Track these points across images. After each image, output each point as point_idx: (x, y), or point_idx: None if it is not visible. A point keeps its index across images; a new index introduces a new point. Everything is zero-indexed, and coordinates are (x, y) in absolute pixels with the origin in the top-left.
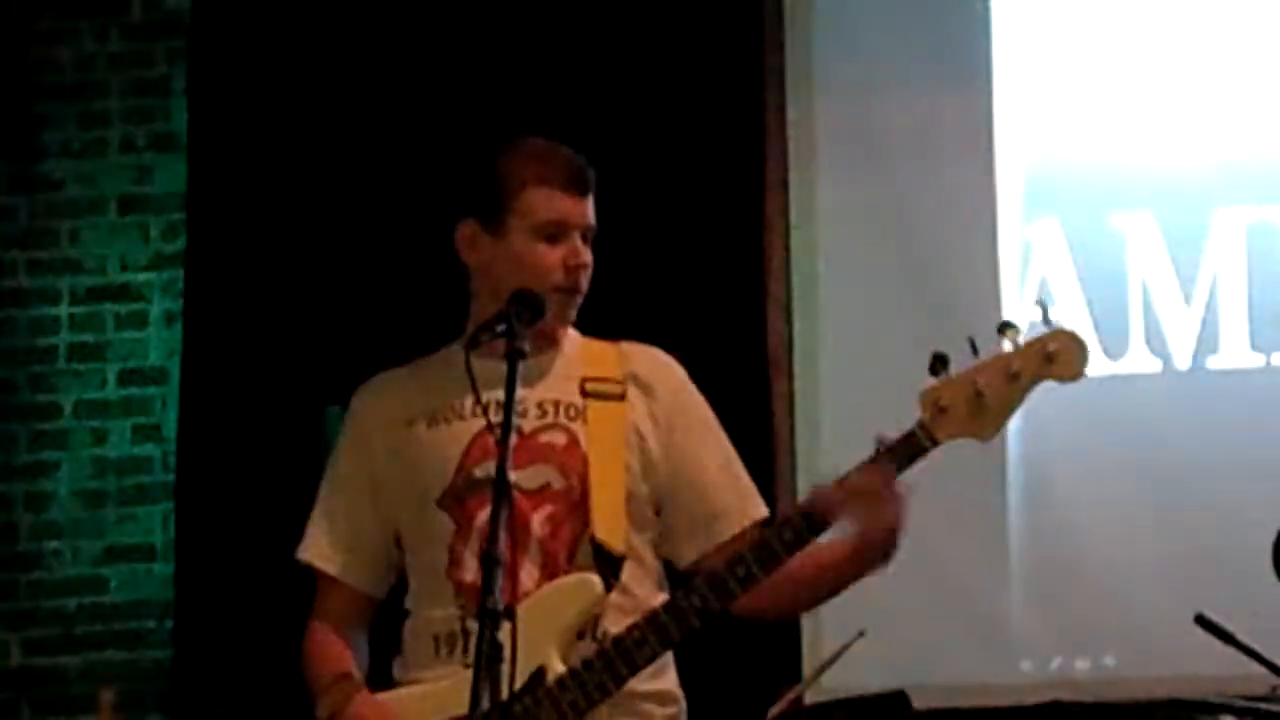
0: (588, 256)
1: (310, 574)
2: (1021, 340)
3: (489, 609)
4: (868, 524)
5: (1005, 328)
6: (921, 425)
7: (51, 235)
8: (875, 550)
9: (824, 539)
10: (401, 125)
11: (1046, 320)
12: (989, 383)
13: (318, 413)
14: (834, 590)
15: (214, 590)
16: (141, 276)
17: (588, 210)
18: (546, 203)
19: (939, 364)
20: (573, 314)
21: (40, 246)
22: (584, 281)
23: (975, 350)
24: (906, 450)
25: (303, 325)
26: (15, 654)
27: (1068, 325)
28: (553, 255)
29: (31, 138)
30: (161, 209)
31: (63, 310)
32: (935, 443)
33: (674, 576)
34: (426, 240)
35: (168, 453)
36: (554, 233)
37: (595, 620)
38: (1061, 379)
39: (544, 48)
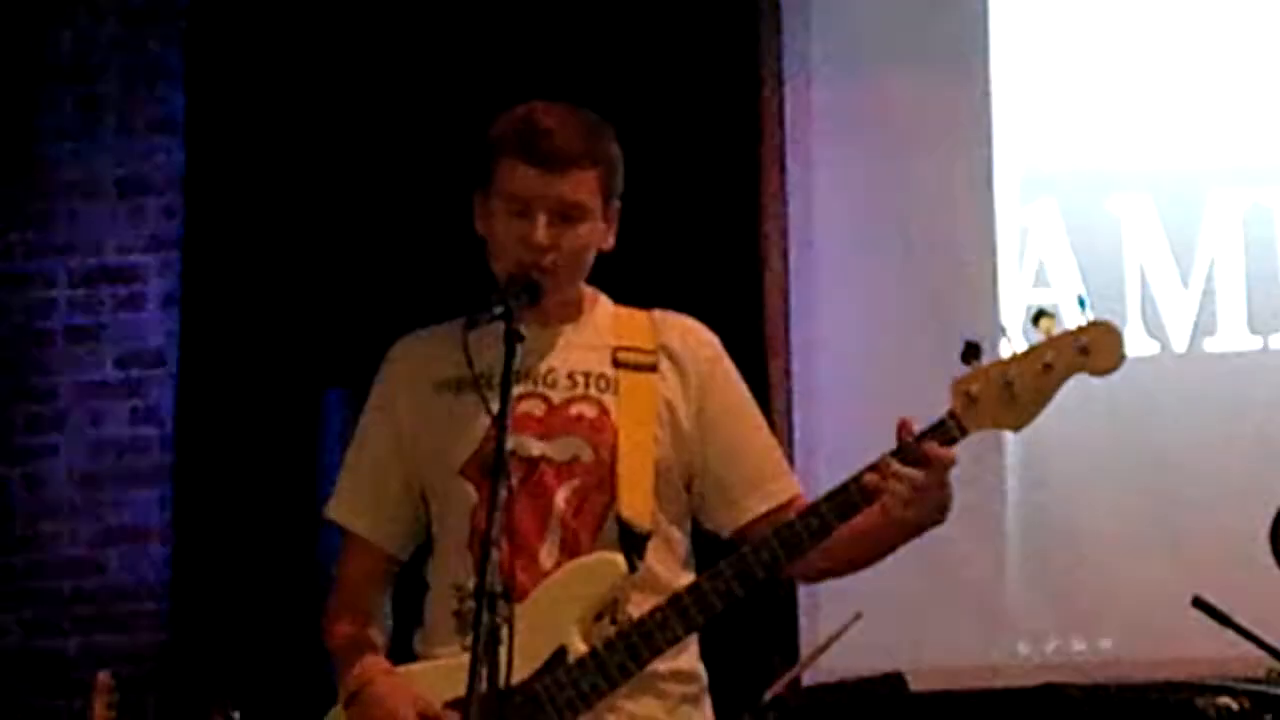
0: (542, 237)
1: (308, 553)
2: (1056, 330)
3: (486, 591)
4: (919, 495)
5: (1040, 317)
6: (952, 415)
7: (49, 217)
8: (924, 521)
9: None
10: (398, 108)
11: (1083, 311)
12: (1021, 374)
13: (316, 396)
14: (875, 556)
15: (211, 572)
16: (138, 258)
17: (561, 187)
18: (512, 176)
19: (971, 353)
20: (559, 294)
21: (37, 228)
22: (549, 260)
23: (1007, 338)
24: (936, 440)
25: (301, 308)
26: (12, 636)
27: (1104, 317)
28: (516, 230)
29: (29, 120)
30: (158, 191)
31: (60, 292)
32: (965, 433)
33: (708, 546)
34: (425, 221)
35: (164, 435)
36: (519, 207)
37: (617, 600)
38: (1096, 372)
39: (540, 30)
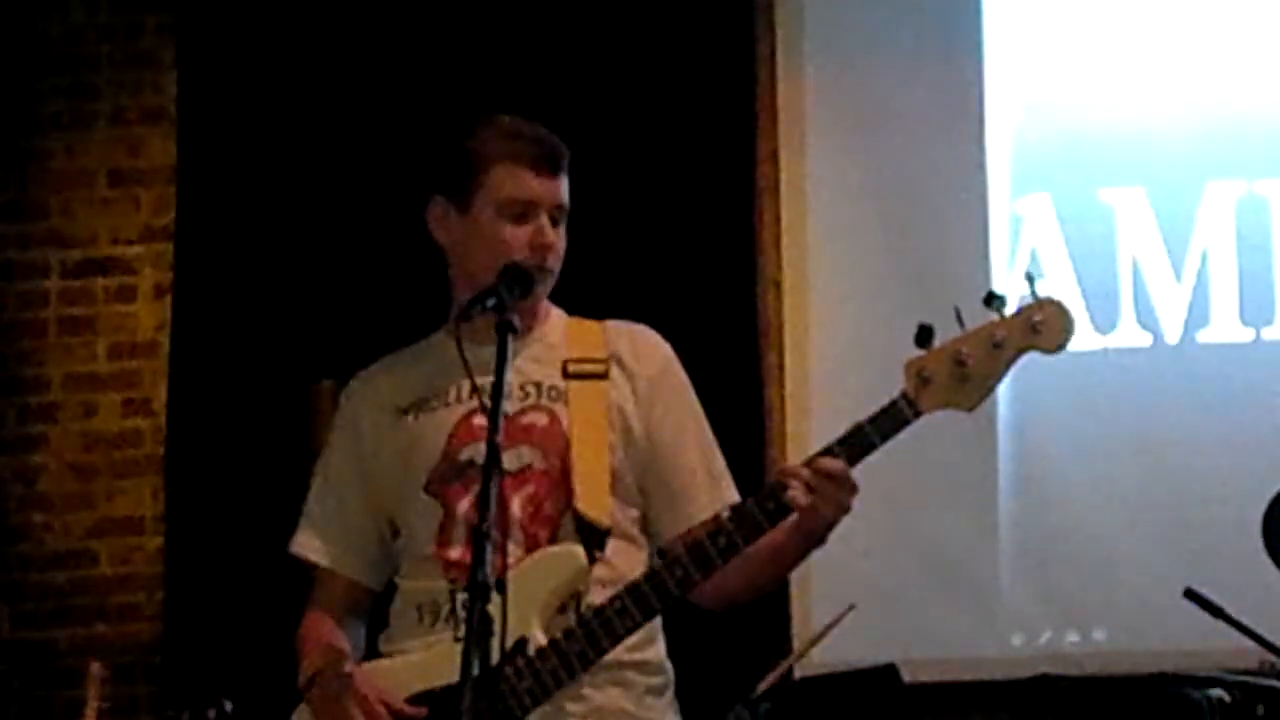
0: (553, 237)
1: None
2: (1007, 311)
3: (480, 582)
4: (825, 508)
5: (992, 299)
6: (904, 396)
7: (41, 208)
8: (823, 532)
9: None
10: (392, 98)
11: (1033, 292)
12: (973, 353)
13: (308, 386)
14: (781, 573)
15: (204, 563)
16: (131, 249)
17: (558, 190)
18: (513, 181)
19: (924, 335)
20: (543, 293)
21: (30, 219)
22: (551, 261)
23: (961, 321)
24: (889, 421)
25: (292, 299)
26: (4, 627)
27: (1054, 296)
28: (518, 234)
29: (21, 110)
30: (151, 182)
31: (52, 283)
32: (918, 414)
33: None
34: (416, 215)
35: (157, 426)
36: (520, 211)
37: (579, 592)
38: (1046, 349)
39: (534, 23)
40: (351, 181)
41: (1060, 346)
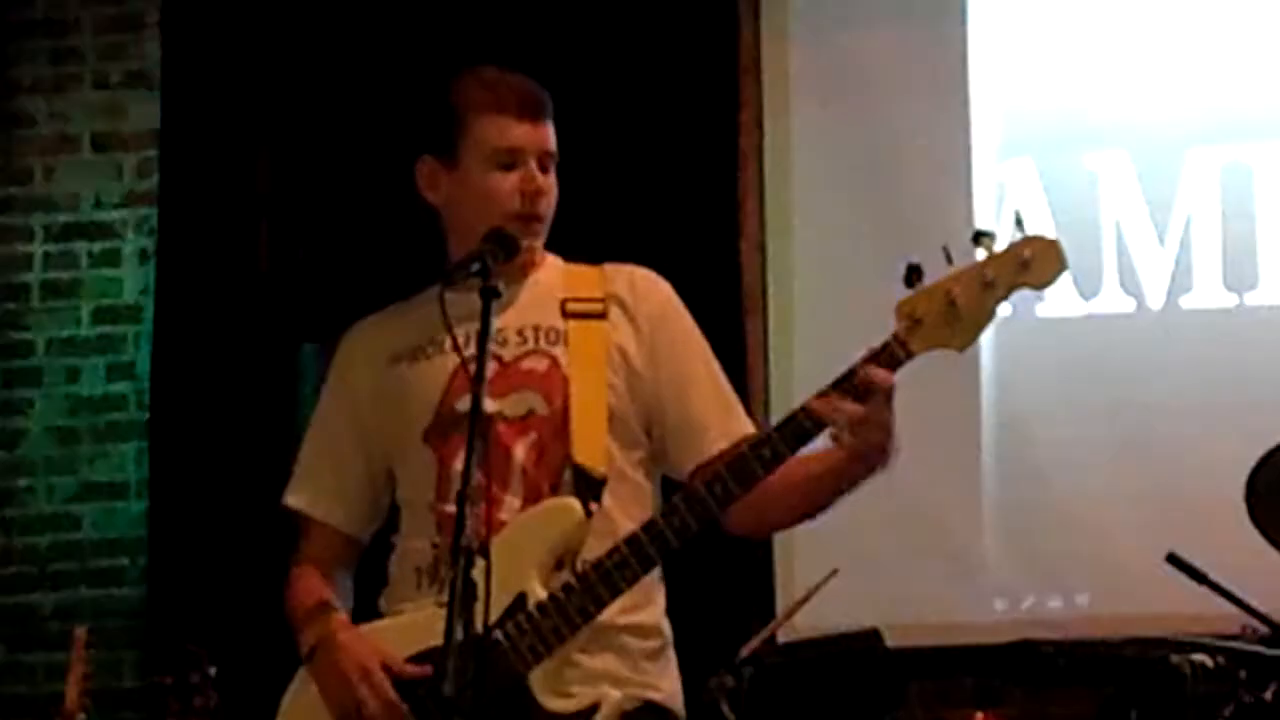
0: (544, 182)
1: (286, 515)
2: (997, 248)
3: (462, 547)
4: (862, 425)
5: (980, 236)
6: (896, 337)
7: (25, 172)
8: (873, 451)
9: (810, 449)
10: (377, 62)
11: (1021, 228)
12: (963, 292)
13: (291, 350)
14: (833, 497)
15: (187, 527)
16: (115, 214)
17: (543, 136)
18: (498, 130)
19: (914, 275)
20: (538, 241)
21: (13, 184)
22: (543, 207)
23: (950, 260)
24: (881, 363)
25: (276, 263)
26: None
27: (1042, 231)
28: (508, 182)
29: (3, 74)
30: (135, 146)
31: (36, 248)
32: (909, 354)
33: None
34: (402, 177)
35: (141, 390)
36: (508, 160)
37: (577, 545)
38: (1036, 286)
39: None
40: (336, 145)
41: (1050, 282)
